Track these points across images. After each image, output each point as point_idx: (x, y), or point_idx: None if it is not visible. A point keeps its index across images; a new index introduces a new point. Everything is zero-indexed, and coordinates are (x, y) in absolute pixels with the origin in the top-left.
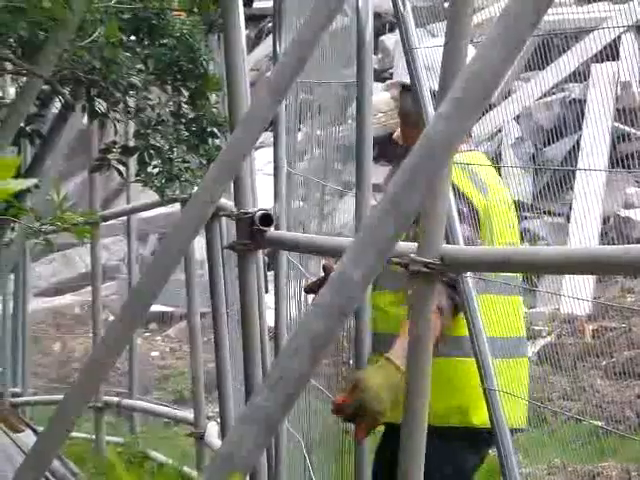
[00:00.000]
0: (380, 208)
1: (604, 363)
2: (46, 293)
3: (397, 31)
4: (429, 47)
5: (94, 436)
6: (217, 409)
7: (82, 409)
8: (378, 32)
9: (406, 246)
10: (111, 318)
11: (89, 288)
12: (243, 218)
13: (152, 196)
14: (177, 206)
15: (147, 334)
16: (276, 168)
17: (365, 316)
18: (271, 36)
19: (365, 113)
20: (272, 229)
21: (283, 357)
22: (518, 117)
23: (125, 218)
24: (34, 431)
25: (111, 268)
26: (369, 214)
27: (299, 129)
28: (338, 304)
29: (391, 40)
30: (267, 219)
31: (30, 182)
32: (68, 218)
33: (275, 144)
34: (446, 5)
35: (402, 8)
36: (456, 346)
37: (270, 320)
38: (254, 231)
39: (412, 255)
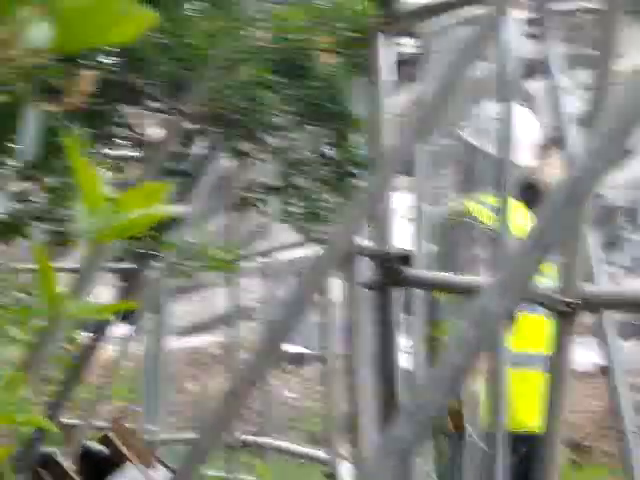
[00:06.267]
0: (524, 244)
1: None
2: (183, 332)
3: (540, 76)
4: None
5: (229, 475)
6: (351, 449)
7: (215, 446)
8: (521, 76)
9: (547, 285)
10: None
11: (226, 328)
12: (381, 257)
13: (291, 237)
14: (315, 247)
15: (283, 375)
16: (414, 209)
17: (501, 351)
18: (416, 82)
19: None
20: (410, 269)
21: (422, 389)
22: None
23: (264, 259)
24: (169, 469)
25: (249, 309)
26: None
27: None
28: (477, 337)
29: (534, 85)
30: (405, 259)
31: (178, 209)
32: (211, 255)
33: (414, 186)
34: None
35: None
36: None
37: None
38: (391, 270)
39: (553, 294)
